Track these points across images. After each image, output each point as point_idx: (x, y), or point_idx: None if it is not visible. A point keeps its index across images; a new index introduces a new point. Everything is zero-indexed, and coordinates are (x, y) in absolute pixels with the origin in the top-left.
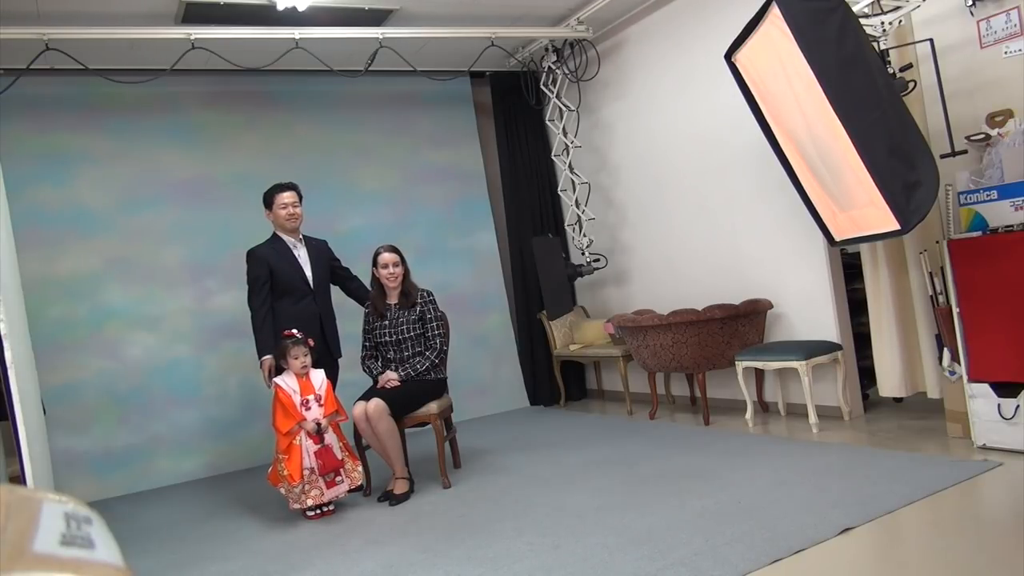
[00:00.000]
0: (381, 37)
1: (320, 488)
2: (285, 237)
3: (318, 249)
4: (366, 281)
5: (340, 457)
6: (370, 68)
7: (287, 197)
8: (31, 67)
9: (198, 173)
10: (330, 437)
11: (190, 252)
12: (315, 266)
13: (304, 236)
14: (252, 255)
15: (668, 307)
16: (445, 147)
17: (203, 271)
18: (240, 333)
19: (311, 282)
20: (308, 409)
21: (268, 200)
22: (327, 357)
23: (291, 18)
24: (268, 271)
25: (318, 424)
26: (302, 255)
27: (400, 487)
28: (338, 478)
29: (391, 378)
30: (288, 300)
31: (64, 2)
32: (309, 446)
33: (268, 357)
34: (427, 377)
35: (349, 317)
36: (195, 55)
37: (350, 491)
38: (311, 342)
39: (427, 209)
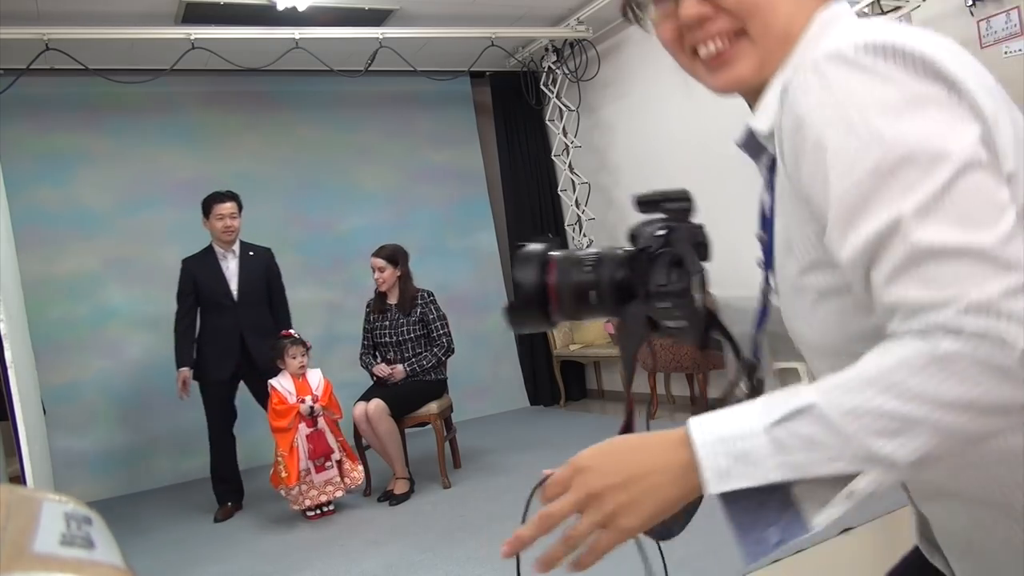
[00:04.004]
0: (381, 37)
1: (316, 487)
2: (218, 248)
3: (256, 260)
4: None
5: (332, 446)
6: (370, 68)
7: (225, 208)
8: (31, 67)
9: (198, 173)
10: (323, 426)
11: (190, 252)
12: (244, 279)
13: (245, 244)
14: (183, 267)
15: None
16: (445, 147)
17: None
18: None
19: (235, 296)
20: None
21: (206, 208)
22: (250, 372)
23: (291, 18)
24: (193, 284)
25: (312, 408)
26: (230, 267)
27: (400, 487)
28: (327, 463)
29: (398, 370)
30: (212, 314)
31: (64, 2)
32: (302, 429)
33: (184, 369)
34: (427, 377)
35: (349, 317)
36: (195, 55)
37: (350, 491)
38: (308, 344)
39: (427, 209)
